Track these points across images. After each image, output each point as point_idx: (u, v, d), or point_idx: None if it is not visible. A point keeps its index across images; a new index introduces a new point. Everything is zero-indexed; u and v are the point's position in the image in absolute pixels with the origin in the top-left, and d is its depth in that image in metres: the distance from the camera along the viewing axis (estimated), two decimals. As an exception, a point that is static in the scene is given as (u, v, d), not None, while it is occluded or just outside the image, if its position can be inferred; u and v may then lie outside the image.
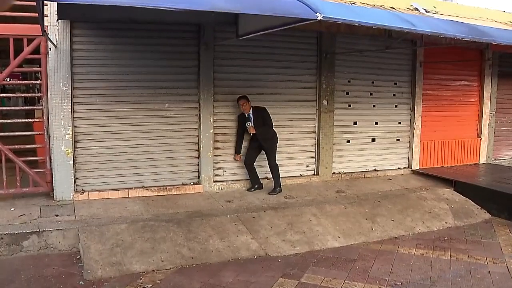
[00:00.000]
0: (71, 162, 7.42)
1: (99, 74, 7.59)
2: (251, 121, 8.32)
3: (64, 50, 7.17)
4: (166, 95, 8.06)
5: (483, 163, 11.71)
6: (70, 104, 7.31)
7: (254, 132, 8.32)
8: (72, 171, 7.44)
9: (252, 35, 6.81)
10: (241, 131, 8.53)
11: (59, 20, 6.99)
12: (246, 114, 8.34)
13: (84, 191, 7.60)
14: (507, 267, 6.00)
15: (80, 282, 5.23)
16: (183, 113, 8.23)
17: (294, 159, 9.28)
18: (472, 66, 11.39)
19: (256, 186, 8.61)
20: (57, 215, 6.69)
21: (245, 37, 7.16)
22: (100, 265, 5.57)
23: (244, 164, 8.61)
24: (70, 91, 7.29)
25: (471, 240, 7.10)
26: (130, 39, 7.76)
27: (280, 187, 8.50)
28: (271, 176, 8.59)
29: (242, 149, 8.66)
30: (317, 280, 5.45)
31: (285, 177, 9.03)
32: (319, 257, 6.24)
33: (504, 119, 12.25)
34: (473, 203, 8.65)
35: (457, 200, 8.74)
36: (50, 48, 7.09)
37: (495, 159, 12.08)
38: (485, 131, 11.72)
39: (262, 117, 8.37)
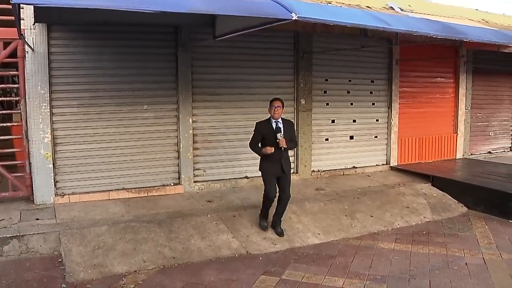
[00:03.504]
0: (51, 166, 7.38)
1: (77, 77, 7.56)
2: (281, 132, 6.46)
3: (42, 53, 7.13)
4: (145, 96, 8.05)
5: (460, 158, 11.94)
6: (48, 107, 7.27)
7: (286, 146, 6.46)
8: (52, 174, 7.40)
9: (229, 35, 6.85)
10: (257, 143, 6.64)
11: (36, 23, 6.95)
12: (274, 122, 6.53)
13: (65, 194, 7.56)
14: (483, 258, 6.17)
15: (62, 285, 5.24)
16: (162, 115, 8.23)
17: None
18: (447, 63, 11.60)
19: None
20: (37, 219, 6.66)
21: (222, 38, 7.20)
22: (82, 267, 5.57)
23: (267, 198, 6.70)
24: (48, 95, 7.25)
25: (448, 233, 7.25)
26: (108, 41, 7.74)
27: None
28: (277, 210, 6.83)
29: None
30: (298, 277, 5.53)
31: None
32: (299, 254, 6.32)
33: (480, 114, 12.52)
34: (450, 197, 8.82)
35: (434, 194, 8.90)
36: (28, 52, 7.04)
37: (471, 154, 12.33)
38: (461, 127, 11.94)
39: (291, 132, 6.70)
